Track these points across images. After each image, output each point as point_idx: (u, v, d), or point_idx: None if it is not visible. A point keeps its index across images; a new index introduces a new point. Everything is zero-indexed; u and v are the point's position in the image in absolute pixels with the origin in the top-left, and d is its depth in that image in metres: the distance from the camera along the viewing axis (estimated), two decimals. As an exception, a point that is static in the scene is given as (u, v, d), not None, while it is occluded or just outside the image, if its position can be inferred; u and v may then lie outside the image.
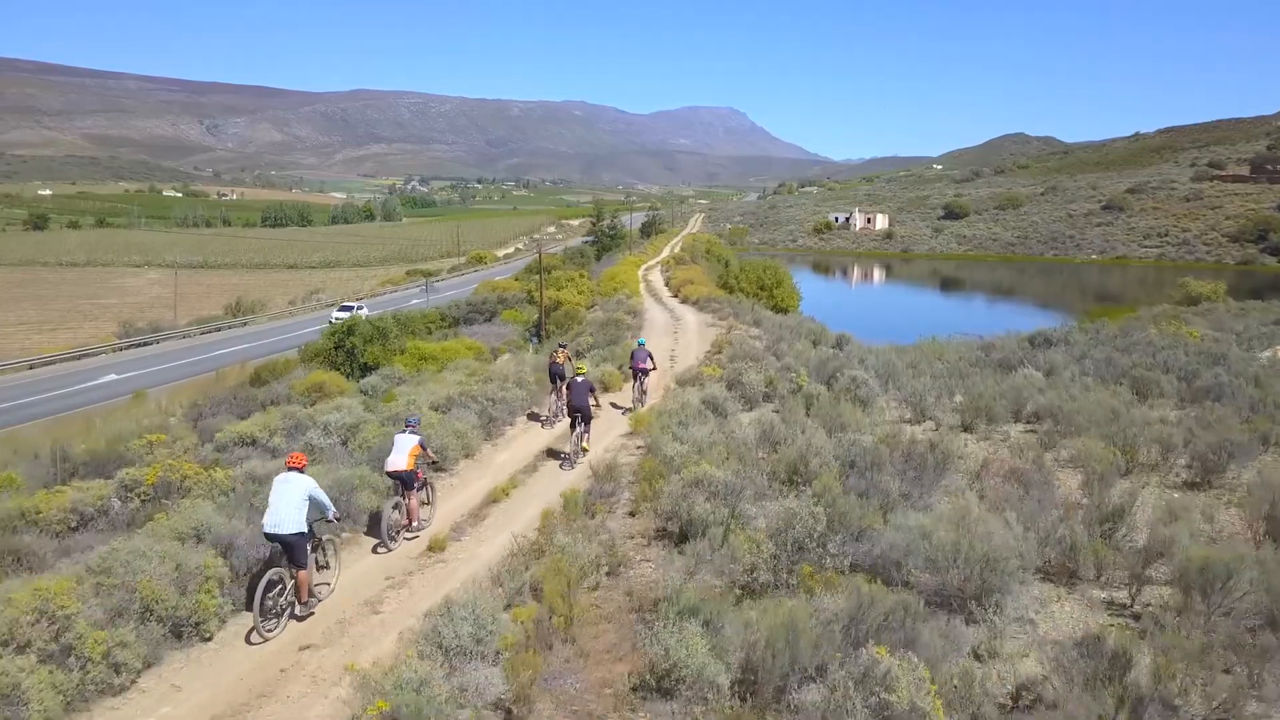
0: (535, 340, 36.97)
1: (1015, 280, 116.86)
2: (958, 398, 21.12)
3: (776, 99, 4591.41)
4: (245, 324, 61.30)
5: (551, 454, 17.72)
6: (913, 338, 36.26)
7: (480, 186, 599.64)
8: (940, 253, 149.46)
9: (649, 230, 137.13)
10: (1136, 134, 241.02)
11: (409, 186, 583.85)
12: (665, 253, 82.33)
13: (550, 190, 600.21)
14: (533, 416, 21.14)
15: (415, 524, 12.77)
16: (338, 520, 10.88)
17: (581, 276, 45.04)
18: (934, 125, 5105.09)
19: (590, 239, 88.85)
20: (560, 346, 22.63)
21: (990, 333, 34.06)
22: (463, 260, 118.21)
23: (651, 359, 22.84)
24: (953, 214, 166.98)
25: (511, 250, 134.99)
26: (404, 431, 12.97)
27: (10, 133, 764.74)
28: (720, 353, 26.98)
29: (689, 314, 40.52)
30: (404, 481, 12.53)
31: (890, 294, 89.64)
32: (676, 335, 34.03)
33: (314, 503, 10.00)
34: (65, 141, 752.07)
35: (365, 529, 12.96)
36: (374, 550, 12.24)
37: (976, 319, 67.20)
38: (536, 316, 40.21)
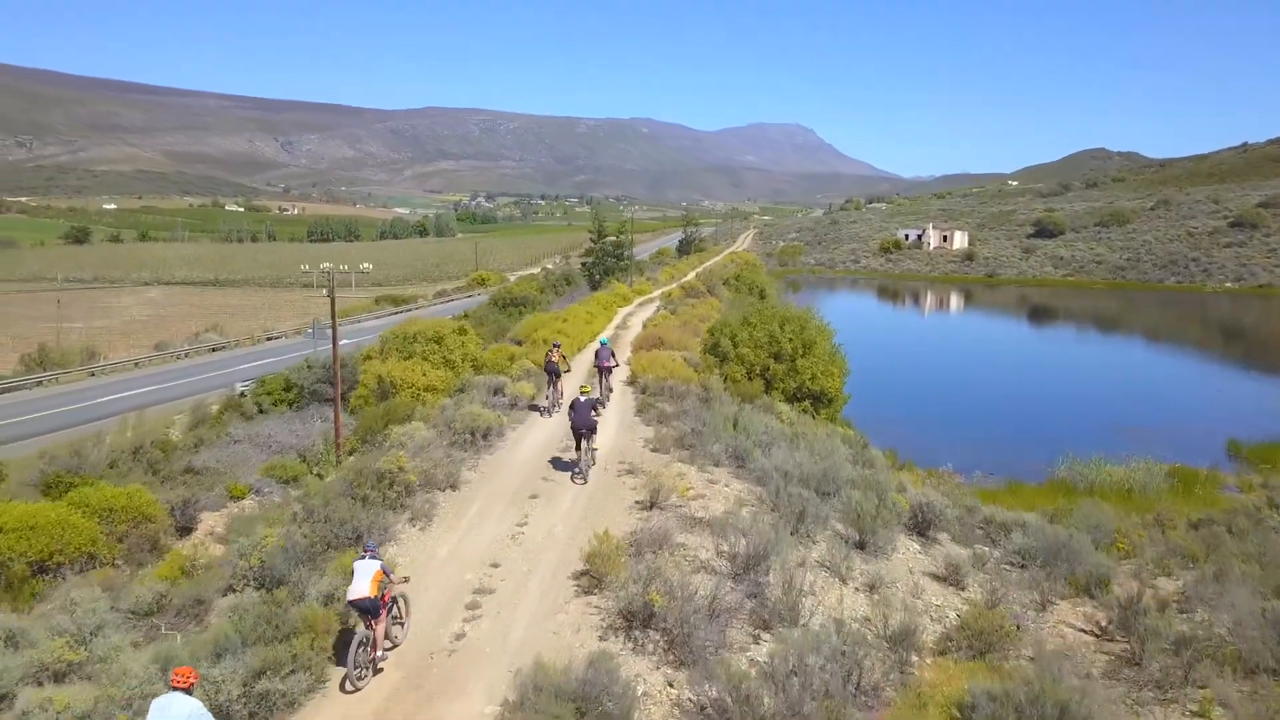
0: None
1: (1135, 315, 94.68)
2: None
3: (845, 115, 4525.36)
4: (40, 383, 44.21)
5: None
6: (1032, 449, 29.04)
7: (543, 203, 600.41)
8: (1034, 277, 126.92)
9: (687, 248, 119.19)
10: (1245, 145, 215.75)
11: (474, 202, 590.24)
12: (679, 281, 63.71)
13: (613, 207, 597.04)
14: (533, 408, 22.86)
15: (384, 650, 11.26)
16: None
17: (462, 334, 26.76)
18: (1007, 141, 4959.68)
19: (589, 260, 70.98)
20: (554, 346, 23.52)
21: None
22: (463, 283, 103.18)
23: (614, 356, 24.48)
24: (1045, 231, 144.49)
25: (538, 270, 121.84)
26: (363, 557, 11.31)
27: (94, 149, 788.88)
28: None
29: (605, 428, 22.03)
30: (369, 611, 11.02)
31: (984, 344, 69.57)
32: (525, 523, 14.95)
33: None
34: (145, 158, 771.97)
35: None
36: (341, 688, 10.59)
37: (1118, 394, 48.76)
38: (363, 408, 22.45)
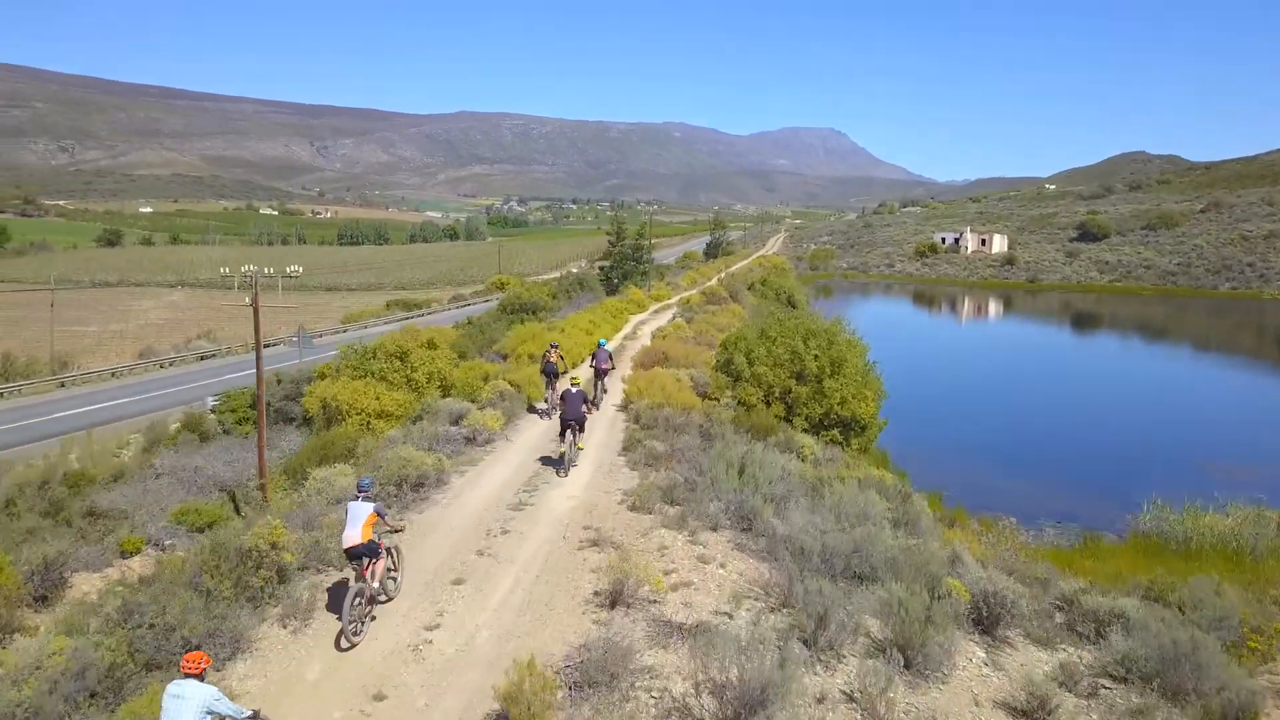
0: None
1: (1189, 323, 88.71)
2: None
3: (878, 120, 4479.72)
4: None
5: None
6: (1101, 487, 25.93)
7: (575, 207, 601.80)
8: (1078, 283, 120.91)
9: (714, 252, 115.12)
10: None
11: (506, 206, 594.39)
12: (701, 286, 59.41)
13: (640, 211, 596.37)
14: (531, 410, 22.72)
15: (380, 597, 10.96)
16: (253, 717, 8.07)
17: (430, 348, 22.69)
18: (1043, 145, 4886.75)
19: (606, 264, 67.05)
20: (552, 346, 23.18)
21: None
22: (482, 287, 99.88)
23: (611, 359, 24.45)
24: (1089, 235, 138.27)
25: (562, 274, 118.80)
26: (356, 498, 11.01)
27: (133, 153, 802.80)
28: None
29: (565, 492, 18.04)
30: (364, 554, 10.64)
31: (1031, 354, 63.32)
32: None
33: (217, 716, 7.76)
34: (183, 162, 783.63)
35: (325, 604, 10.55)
36: (336, 645, 9.99)
37: (1191, 416, 42.93)
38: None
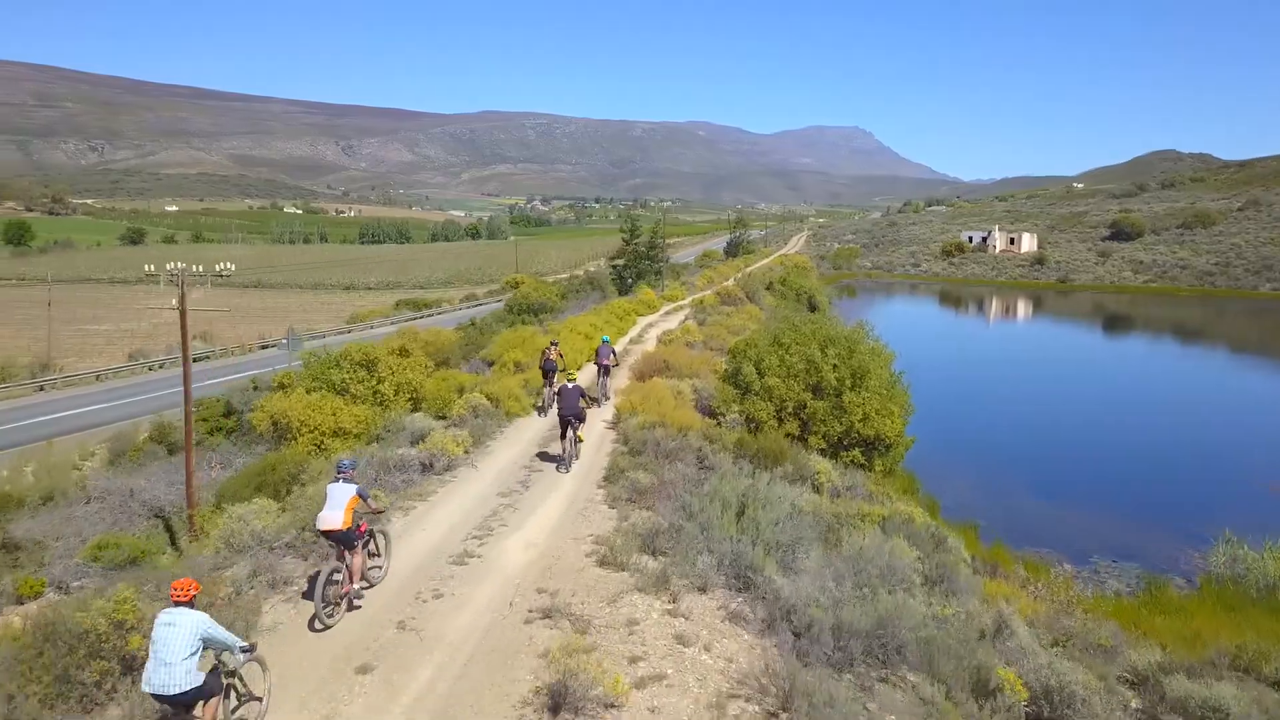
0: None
1: (1229, 325, 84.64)
2: None
3: (904, 118, 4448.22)
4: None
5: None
6: (1157, 513, 22.62)
7: (597, 206, 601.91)
8: (1112, 283, 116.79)
9: (734, 251, 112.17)
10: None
11: (529, 206, 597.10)
12: (716, 286, 56.56)
13: (668, 210, 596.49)
14: (536, 408, 22.21)
15: (359, 586, 10.40)
16: (249, 651, 8.03)
17: (403, 355, 20.13)
18: (1070, 143, 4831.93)
19: (619, 263, 64.40)
20: (552, 344, 23.20)
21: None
22: (496, 287, 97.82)
23: (614, 354, 24.49)
24: (1122, 234, 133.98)
25: (579, 272, 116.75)
26: (336, 480, 10.52)
27: (162, 153, 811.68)
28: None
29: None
30: (342, 541, 10.15)
31: (1066, 358, 59.63)
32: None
33: (211, 643, 7.62)
34: (210, 161, 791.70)
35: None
36: (310, 626, 9.58)
37: (1248, 431, 37.98)
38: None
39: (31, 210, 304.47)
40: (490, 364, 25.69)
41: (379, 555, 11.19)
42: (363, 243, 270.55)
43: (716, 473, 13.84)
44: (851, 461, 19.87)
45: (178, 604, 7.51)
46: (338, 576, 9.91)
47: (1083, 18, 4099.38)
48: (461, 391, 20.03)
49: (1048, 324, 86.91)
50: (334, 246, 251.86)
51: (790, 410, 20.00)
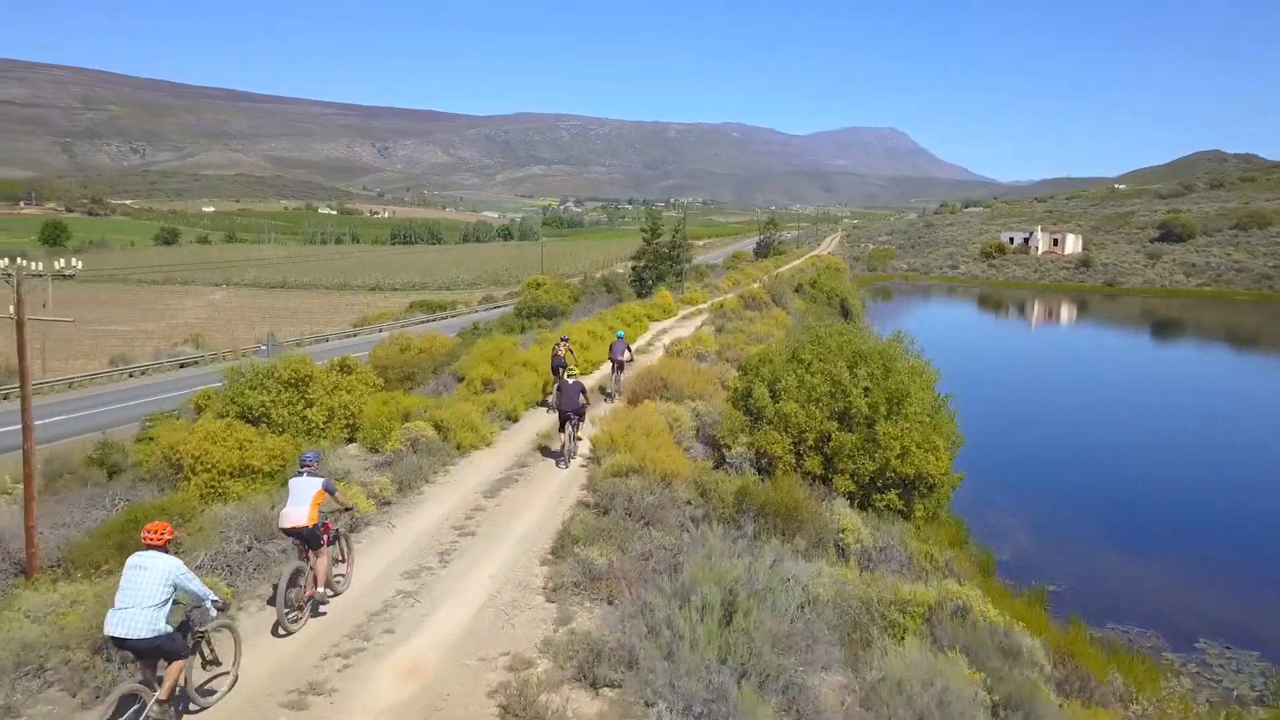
0: None
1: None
2: None
3: (940, 119, 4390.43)
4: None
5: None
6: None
7: (630, 207, 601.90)
8: (1163, 287, 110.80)
9: (764, 252, 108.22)
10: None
11: (562, 207, 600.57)
12: (741, 288, 52.52)
13: (701, 211, 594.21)
14: (541, 404, 22.34)
15: (323, 590, 9.76)
16: (221, 610, 7.84)
17: (345, 373, 16.45)
18: (1109, 144, 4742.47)
19: (639, 263, 60.67)
20: (562, 340, 23.23)
21: None
22: (517, 288, 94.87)
23: (629, 351, 25.02)
24: (1172, 235, 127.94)
25: (606, 273, 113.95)
26: (300, 473, 9.92)
27: (201, 154, 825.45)
28: None
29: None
30: (308, 540, 9.56)
31: (1128, 372, 52.05)
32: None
33: (182, 592, 7.28)
34: (248, 162, 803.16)
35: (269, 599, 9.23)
36: (274, 632, 9.00)
37: None
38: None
39: (72, 211, 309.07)
40: (461, 378, 22.15)
41: (343, 561, 10.60)
42: (394, 243, 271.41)
43: (703, 549, 10.09)
44: (887, 506, 16.11)
45: (150, 547, 7.23)
46: (301, 580, 9.34)
47: (1120, 19, 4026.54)
48: (407, 417, 16.50)
49: (1101, 329, 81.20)
50: (364, 247, 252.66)
51: (811, 443, 16.24)
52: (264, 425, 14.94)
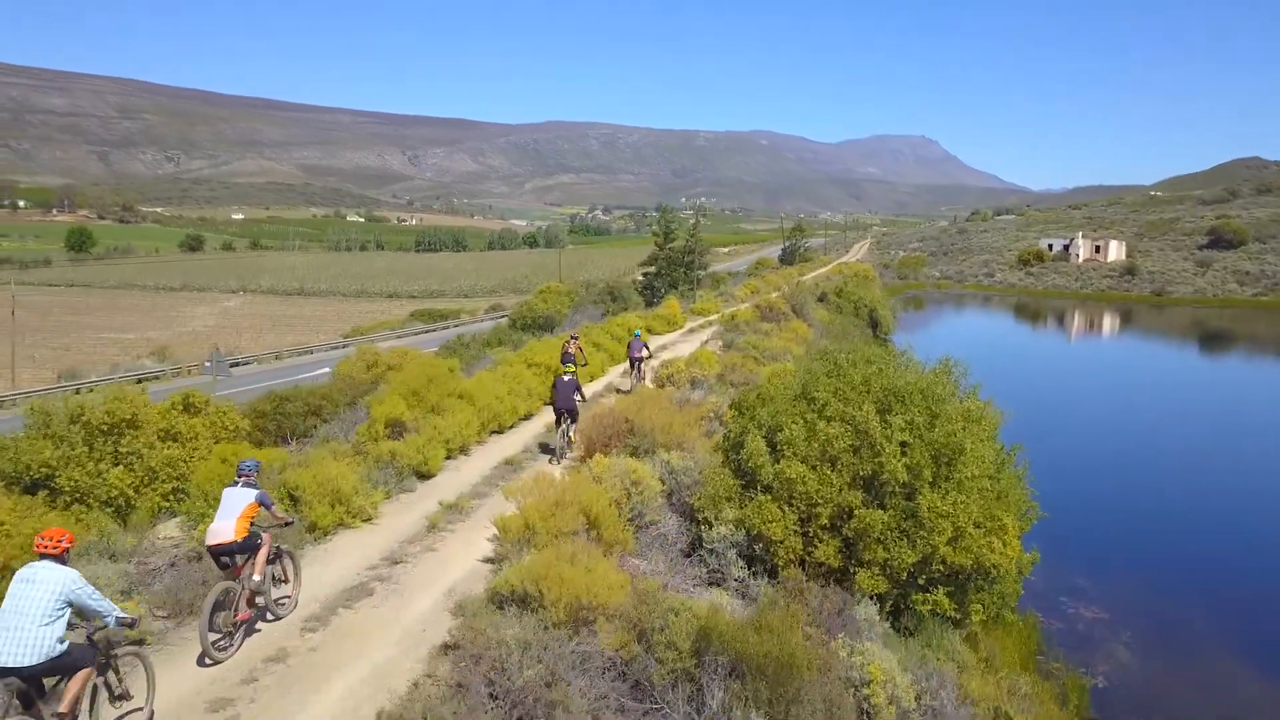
0: None
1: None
2: None
3: (970, 127, 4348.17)
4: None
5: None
6: None
7: (657, 215, 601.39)
8: (1215, 297, 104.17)
9: (789, 259, 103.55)
10: None
11: (590, 215, 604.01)
12: (759, 297, 47.60)
13: (729, 218, 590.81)
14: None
15: (258, 608, 8.82)
16: (129, 627, 6.96)
17: (187, 412, 11.92)
18: (1142, 152, 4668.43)
19: (651, 270, 56.08)
20: (573, 338, 22.98)
21: None
22: (529, 296, 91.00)
23: (647, 348, 24.52)
24: (1222, 242, 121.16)
25: (628, 280, 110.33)
26: (235, 483, 9.06)
27: (234, 162, 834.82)
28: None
29: None
30: (236, 556, 8.67)
31: (1204, 398, 43.96)
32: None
33: (78, 609, 6.42)
34: (280, 170, 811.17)
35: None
36: (199, 662, 8.20)
37: None
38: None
39: (104, 218, 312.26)
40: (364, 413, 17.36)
41: (286, 581, 9.55)
42: (418, 250, 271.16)
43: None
44: (932, 610, 11.43)
45: (45, 556, 6.37)
46: (227, 602, 8.31)
47: (1152, 29, 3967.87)
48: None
49: (1179, 345, 73.29)
50: (389, 254, 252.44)
51: (825, 522, 11.59)
52: (44, 493, 10.52)
